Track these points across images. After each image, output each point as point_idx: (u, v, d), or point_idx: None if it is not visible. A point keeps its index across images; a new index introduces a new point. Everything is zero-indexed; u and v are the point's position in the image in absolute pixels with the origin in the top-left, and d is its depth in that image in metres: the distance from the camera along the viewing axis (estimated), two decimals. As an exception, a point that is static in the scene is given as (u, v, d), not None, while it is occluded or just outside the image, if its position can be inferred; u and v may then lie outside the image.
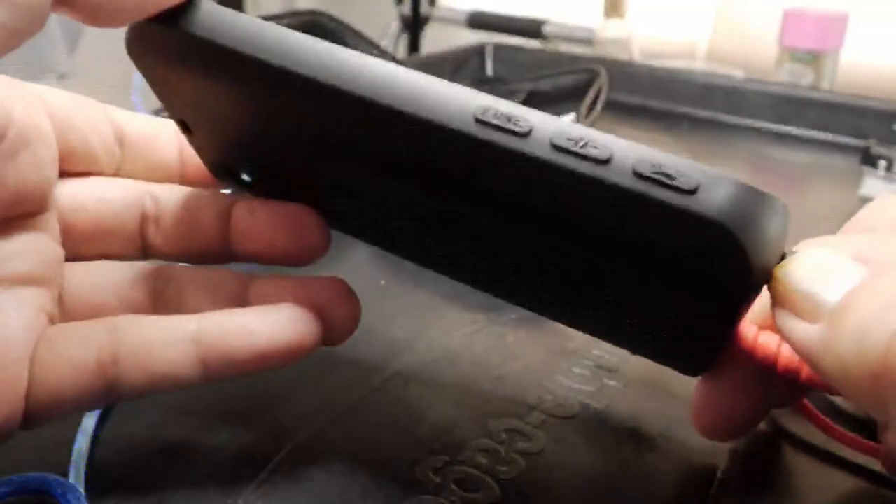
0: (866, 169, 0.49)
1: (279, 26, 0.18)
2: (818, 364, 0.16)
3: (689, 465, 0.23)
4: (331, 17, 0.51)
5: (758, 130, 0.61)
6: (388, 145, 0.18)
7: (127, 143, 0.23)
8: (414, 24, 1.10)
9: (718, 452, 0.23)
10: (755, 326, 0.20)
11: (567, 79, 0.55)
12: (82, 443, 0.22)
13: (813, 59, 0.69)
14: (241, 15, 0.18)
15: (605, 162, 0.15)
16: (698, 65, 0.92)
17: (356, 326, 0.22)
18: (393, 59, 0.54)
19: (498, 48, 0.73)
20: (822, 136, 0.59)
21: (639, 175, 0.15)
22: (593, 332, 0.23)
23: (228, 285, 0.23)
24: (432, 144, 0.17)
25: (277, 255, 0.23)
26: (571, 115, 0.52)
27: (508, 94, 0.56)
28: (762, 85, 0.63)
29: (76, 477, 0.21)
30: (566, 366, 0.28)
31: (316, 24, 0.50)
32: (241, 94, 0.19)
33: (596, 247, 0.17)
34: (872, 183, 0.48)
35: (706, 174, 0.15)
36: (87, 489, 0.21)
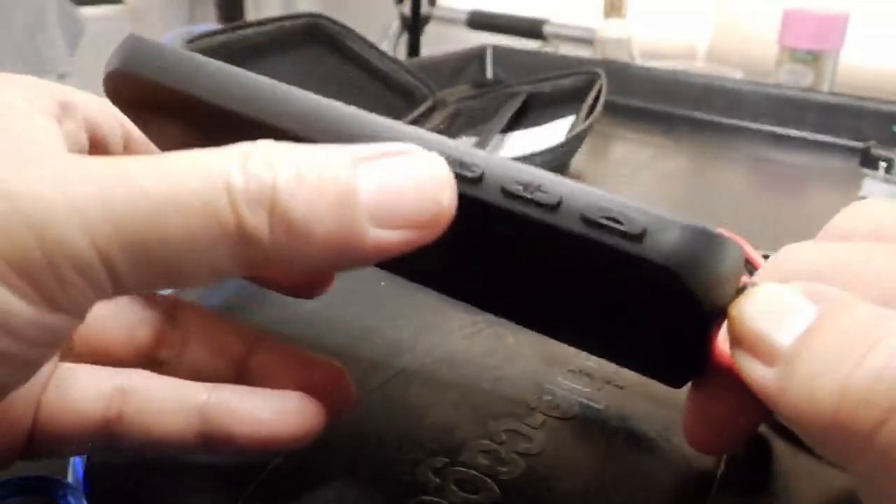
0: (866, 171, 0.49)
1: (234, 68, 0.18)
2: (776, 409, 0.15)
3: (689, 466, 0.23)
4: (330, 19, 0.51)
5: (757, 132, 0.61)
6: None
7: (131, 148, 0.24)
8: (414, 25, 1.10)
9: (718, 453, 0.23)
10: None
11: (566, 81, 0.56)
12: (83, 443, 0.22)
13: (813, 59, 0.69)
14: (198, 57, 0.18)
15: (555, 207, 0.16)
16: (698, 65, 0.92)
17: (349, 410, 0.22)
18: (392, 60, 0.54)
19: (498, 51, 0.73)
20: (821, 137, 0.59)
21: (586, 221, 0.15)
22: (577, 345, 0.23)
23: (233, 347, 0.22)
24: None
25: (287, 287, 0.23)
26: (571, 118, 0.52)
27: (508, 97, 0.56)
28: (762, 87, 0.63)
29: (76, 477, 0.21)
30: (566, 367, 0.28)
31: (316, 27, 0.50)
32: (199, 130, 0.20)
33: (556, 279, 0.18)
34: (872, 185, 0.48)
35: (653, 218, 0.15)
36: (86, 489, 0.21)
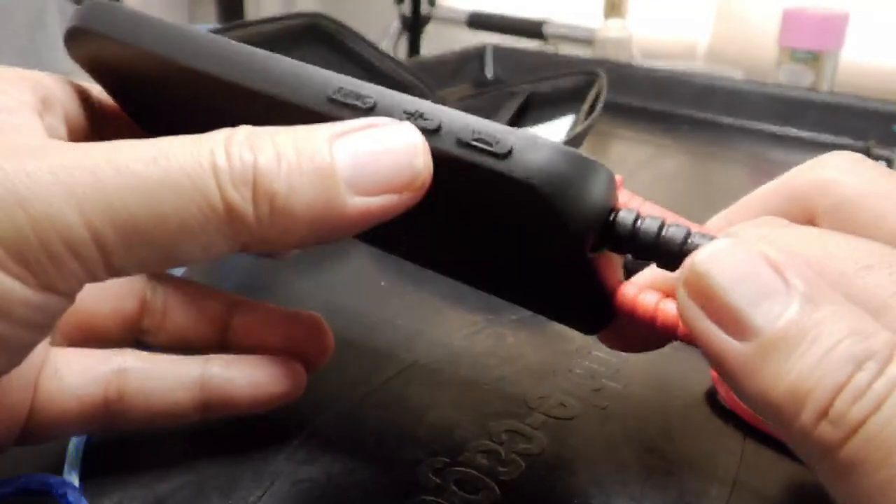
0: (866, 170, 0.49)
1: (179, 24, 0.19)
2: (739, 385, 0.15)
3: (689, 466, 0.23)
4: (330, 19, 0.51)
5: (757, 132, 0.61)
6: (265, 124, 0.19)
7: (106, 132, 0.24)
8: (414, 25, 1.10)
9: (719, 453, 0.23)
10: (636, 285, 0.20)
11: (567, 81, 0.55)
12: (81, 442, 0.22)
13: (813, 59, 0.69)
14: (146, 15, 0.19)
15: (435, 131, 0.17)
16: (698, 65, 0.92)
17: (327, 359, 0.24)
18: (392, 59, 0.54)
19: (498, 50, 0.73)
20: (821, 137, 0.59)
21: (461, 142, 0.16)
22: (482, 289, 0.23)
23: (213, 309, 0.24)
24: (296, 123, 0.18)
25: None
26: (571, 118, 0.52)
27: (508, 96, 0.56)
28: (762, 86, 0.63)
29: (75, 476, 0.21)
30: (566, 367, 0.28)
31: (316, 26, 0.50)
32: (157, 85, 0.20)
33: (444, 209, 0.19)
34: (872, 184, 0.48)
35: (521, 139, 0.16)
36: (86, 489, 0.21)
